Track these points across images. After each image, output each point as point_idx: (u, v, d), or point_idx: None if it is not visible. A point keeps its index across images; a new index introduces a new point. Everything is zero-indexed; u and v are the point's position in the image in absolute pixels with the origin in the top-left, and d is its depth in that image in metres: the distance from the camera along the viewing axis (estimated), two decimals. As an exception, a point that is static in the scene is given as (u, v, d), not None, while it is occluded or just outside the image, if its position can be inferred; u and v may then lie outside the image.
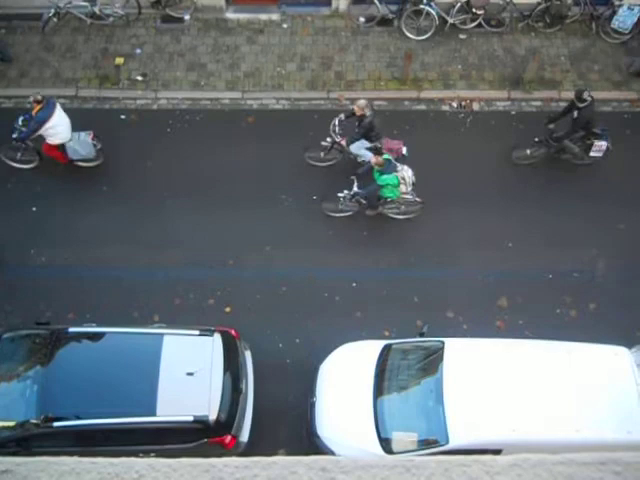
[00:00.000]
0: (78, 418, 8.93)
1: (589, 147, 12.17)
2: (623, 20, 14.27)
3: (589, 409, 8.93)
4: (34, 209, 12.22)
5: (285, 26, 14.90)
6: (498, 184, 12.63)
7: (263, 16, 14.97)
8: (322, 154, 12.39)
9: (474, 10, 14.36)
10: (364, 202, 11.76)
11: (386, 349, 9.86)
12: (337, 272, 11.54)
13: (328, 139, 12.11)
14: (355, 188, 11.50)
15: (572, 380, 9.16)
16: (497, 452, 8.64)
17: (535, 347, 9.63)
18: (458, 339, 9.82)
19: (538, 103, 13.87)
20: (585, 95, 11.78)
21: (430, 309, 11.09)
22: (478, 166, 12.82)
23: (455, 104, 13.84)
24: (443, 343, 9.62)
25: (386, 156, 11.37)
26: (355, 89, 13.85)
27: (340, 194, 11.64)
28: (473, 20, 14.57)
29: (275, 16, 15.01)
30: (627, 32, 14.41)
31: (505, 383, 9.14)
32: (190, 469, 1.54)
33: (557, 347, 9.58)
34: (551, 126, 12.26)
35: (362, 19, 14.75)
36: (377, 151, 11.80)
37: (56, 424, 8.85)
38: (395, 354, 9.81)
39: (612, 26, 14.44)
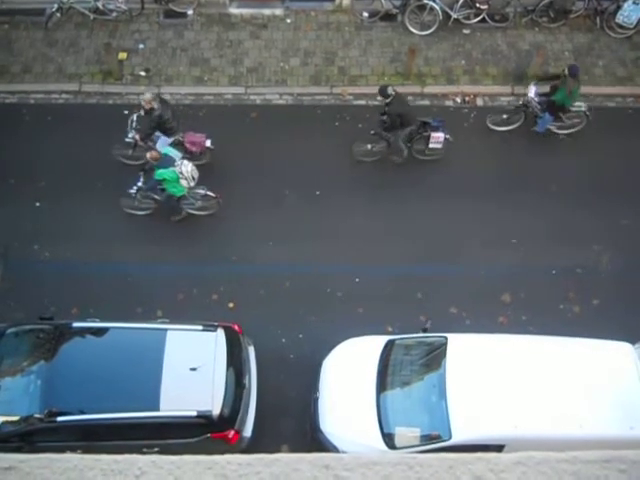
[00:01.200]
0: (82, 413, 8.95)
1: (428, 139, 12.24)
2: (628, 15, 14.21)
3: (592, 405, 8.93)
4: (37, 204, 12.23)
5: (288, 21, 14.86)
6: (501, 178, 12.60)
7: (266, 11, 14.94)
8: (130, 151, 12.09)
9: (478, 5, 14.32)
10: (158, 198, 11.66)
11: (389, 345, 9.86)
12: (340, 268, 11.53)
13: (129, 135, 11.93)
14: (139, 183, 11.45)
15: (575, 376, 9.16)
16: (500, 448, 8.65)
17: (538, 343, 9.63)
18: (461, 335, 9.81)
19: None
20: (389, 90, 11.87)
21: (433, 305, 11.09)
22: (481, 161, 12.80)
23: (459, 99, 13.81)
24: (446, 339, 9.62)
25: (166, 150, 11.30)
26: (358, 84, 13.83)
27: (131, 190, 11.53)
28: (477, 15, 14.53)
29: (278, 11, 14.97)
30: (632, 27, 14.34)
31: (508, 379, 9.14)
32: (193, 466, 1.54)
33: (560, 343, 9.58)
34: (384, 117, 12.17)
35: (366, 14, 14.71)
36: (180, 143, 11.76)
37: (60, 419, 8.88)
38: (398, 349, 9.82)
39: (617, 21, 14.38)
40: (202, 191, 11.59)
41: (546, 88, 12.61)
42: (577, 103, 12.61)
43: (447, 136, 12.21)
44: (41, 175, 12.46)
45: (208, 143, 12.03)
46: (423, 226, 12.04)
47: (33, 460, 1.56)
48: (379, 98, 12.38)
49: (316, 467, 1.54)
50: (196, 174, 11.36)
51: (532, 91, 12.55)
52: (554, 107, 12.42)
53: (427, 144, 12.32)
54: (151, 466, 1.54)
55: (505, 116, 13.01)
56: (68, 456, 1.56)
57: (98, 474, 1.53)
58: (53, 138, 12.83)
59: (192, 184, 11.38)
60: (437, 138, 12.20)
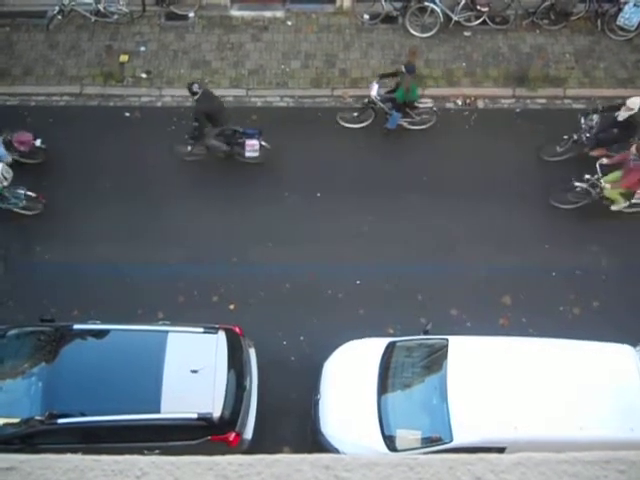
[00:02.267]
0: (82, 415, 8.94)
1: (244, 146, 12.29)
2: (629, 17, 14.23)
3: (593, 407, 8.93)
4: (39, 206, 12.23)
5: (289, 23, 14.89)
6: (499, 180, 12.60)
7: (267, 13, 14.97)
8: None
9: (478, 7, 14.34)
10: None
11: (390, 347, 9.86)
12: (340, 269, 11.54)
13: None
14: None
15: (576, 378, 9.16)
16: (501, 450, 8.64)
17: (539, 345, 9.62)
18: (462, 337, 9.81)
19: (543, 101, 13.85)
20: (195, 88, 11.85)
21: (434, 307, 11.09)
22: (483, 162, 12.81)
23: (460, 101, 13.82)
24: (447, 341, 9.62)
25: None
26: (360, 86, 13.84)
27: None
28: (477, 17, 14.55)
29: (279, 13, 15.00)
30: (633, 29, 14.36)
31: (509, 381, 9.13)
32: (193, 467, 1.55)
33: (561, 345, 9.57)
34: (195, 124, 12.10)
35: (366, 16, 14.73)
36: None
37: (60, 421, 8.86)
38: (399, 352, 9.82)
39: (618, 23, 14.40)
40: (22, 191, 11.69)
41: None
42: (423, 100, 12.83)
43: (263, 143, 12.22)
44: (42, 175, 12.47)
45: (38, 142, 12.14)
46: (424, 227, 12.05)
47: (34, 460, 1.56)
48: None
49: (317, 467, 1.55)
50: (8, 174, 11.50)
51: (374, 89, 12.63)
52: (397, 104, 12.57)
53: (244, 150, 12.34)
54: (152, 467, 1.55)
55: (355, 114, 13.06)
56: (69, 457, 1.56)
57: (99, 474, 1.54)
58: (54, 140, 12.83)
59: (5, 184, 11.52)
60: (252, 146, 12.22)
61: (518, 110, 13.73)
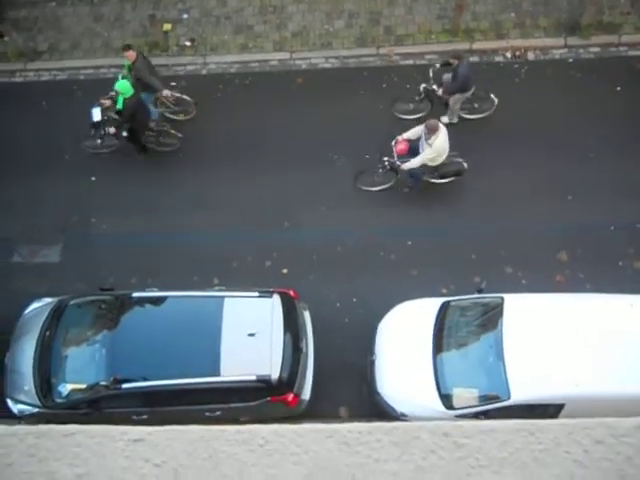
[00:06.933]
0: (145, 380, 9.21)
1: None
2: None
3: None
4: (93, 179, 12.49)
5: (331, -18, 14.61)
6: (559, 133, 12.26)
7: (309, -27, 14.71)
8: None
9: (527, -46, 13.79)
10: None
11: (445, 306, 9.83)
12: (392, 231, 11.48)
13: None
14: None
15: (636, 333, 8.97)
16: (560, 407, 8.58)
17: (597, 300, 9.45)
18: (518, 294, 9.70)
19: (597, 49, 13.32)
20: None
21: (488, 265, 10.97)
22: (532, 116, 12.47)
23: (509, 54, 13.42)
24: (502, 299, 9.52)
25: None
26: (405, 44, 13.57)
27: None
28: (526, -35, 14.01)
29: (321, -28, 14.72)
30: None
31: (566, 337, 9.01)
32: (314, 435, 1.59)
33: (619, 300, 9.37)
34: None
35: (410, -30, 14.34)
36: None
37: (125, 386, 9.16)
38: (454, 311, 9.77)
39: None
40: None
41: None
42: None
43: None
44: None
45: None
46: (478, 186, 11.84)
47: (161, 432, 1.62)
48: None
49: (436, 435, 1.58)
50: None
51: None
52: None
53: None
54: (274, 435, 1.60)
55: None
56: (195, 427, 1.62)
57: (224, 444, 1.60)
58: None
59: None
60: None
61: (570, 60, 13.26)
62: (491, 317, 9.52)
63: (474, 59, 13.36)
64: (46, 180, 12.38)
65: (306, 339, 9.79)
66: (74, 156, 12.68)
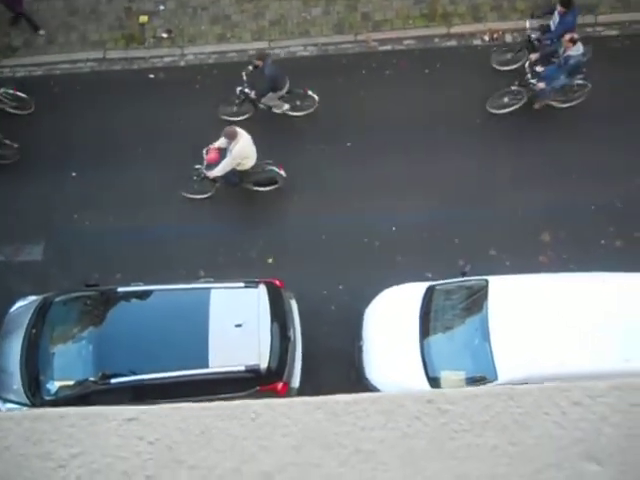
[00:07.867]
0: (134, 374, 9.21)
1: None
2: None
3: (638, 339, 8.88)
4: (74, 174, 12.41)
5: (308, -31, 14.56)
6: (532, 119, 12.35)
7: (284, -39, 14.64)
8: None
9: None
10: None
11: (430, 290, 9.90)
12: (375, 217, 11.52)
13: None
14: None
15: (620, 310, 9.10)
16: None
17: (580, 279, 9.57)
18: (502, 276, 9.79)
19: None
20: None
21: (472, 248, 11.04)
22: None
23: (487, 37, 13.47)
24: (487, 281, 9.61)
25: None
26: (383, 29, 13.56)
27: None
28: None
29: (296, -40, 14.65)
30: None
31: (551, 317, 9.11)
32: (304, 406, 1.63)
33: (603, 278, 9.50)
34: None
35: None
36: None
37: (113, 380, 9.16)
38: (439, 295, 9.85)
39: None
40: None
41: None
42: None
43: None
44: (75, 146, 12.61)
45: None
46: (456, 170, 11.91)
47: (154, 410, 1.66)
48: None
49: (420, 402, 1.63)
50: None
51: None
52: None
53: None
54: (265, 408, 1.65)
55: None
56: (187, 405, 1.67)
57: (216, 420, 1.64)
58: (84, 108, 12.89)
59: None
60: None
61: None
62: (476, 300, 9.61)
63: (452, 43, 13.42)
64: (26, 179, 12.28)
65: (293, 328, 9.83)
66: (55, 152, 12.57)
